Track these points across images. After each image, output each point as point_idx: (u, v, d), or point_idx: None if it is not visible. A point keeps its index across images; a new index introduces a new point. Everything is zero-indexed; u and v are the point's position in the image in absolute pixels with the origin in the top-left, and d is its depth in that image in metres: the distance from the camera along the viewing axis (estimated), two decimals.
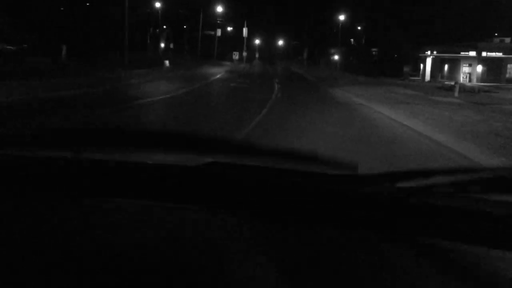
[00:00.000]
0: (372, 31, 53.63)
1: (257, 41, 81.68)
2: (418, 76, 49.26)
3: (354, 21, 61.24)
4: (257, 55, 77.20)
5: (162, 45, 67.65)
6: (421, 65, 48.94)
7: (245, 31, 56.73)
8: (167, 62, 33.84)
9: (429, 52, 42.66)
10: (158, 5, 57.60)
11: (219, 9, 50.26)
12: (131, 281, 0.65)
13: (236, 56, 36.60)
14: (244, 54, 56.00)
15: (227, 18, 61.59)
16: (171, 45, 53.68)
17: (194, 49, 54.98)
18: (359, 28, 61.58)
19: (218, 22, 50.19)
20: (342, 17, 61.92)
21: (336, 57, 66.13)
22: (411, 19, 46.93)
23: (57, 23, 29.17)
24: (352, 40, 63.15)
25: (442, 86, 26.51)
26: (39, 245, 0.73)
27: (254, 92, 17.29)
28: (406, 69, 41.36)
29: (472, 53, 40.31)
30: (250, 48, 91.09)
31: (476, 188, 0.82)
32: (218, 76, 27.70)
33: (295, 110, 11.84)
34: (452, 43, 41.27)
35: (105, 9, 32.57)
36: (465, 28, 42.42)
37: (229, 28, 70.57)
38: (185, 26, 55.13)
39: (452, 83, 27.17)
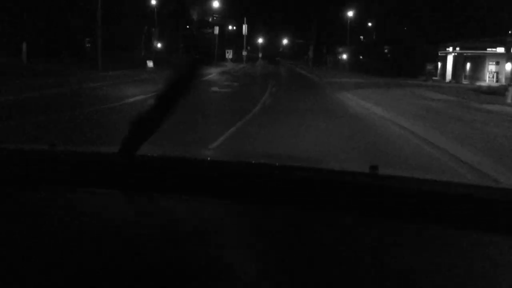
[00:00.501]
0: (384, 27, 48.77)
1: (260, 40, 77.07)
2: (436, 75, 44.50)
3: (364, 17, 56.49)
4: (260, 55, 72.72)
5: (159, 45, 63.68)
6: (439, 64, 44.16)
7: (244, 28, 52.13)
8: (150, 63, 29.60)
9: (450, 49, 37.77)
10: (153, 2, 53.59)
11: (215, 4, 45.71)
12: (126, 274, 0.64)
13: (229, 54, 32.05)
14: (244, 53, 51.46)
15: (228, 16, 57.08)
16: (158, 45, 49.59)
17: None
18: (369, 24, 56.76)
19: (214, 18, 45.69)
20: (351, 13, 57.25)
21: (344, 56, 61.43)
22: (429, 13, 42.16)
23: (18, 15, 24.88)
24: (362, 37, 58.31)
25: (478, 88, 21.65)
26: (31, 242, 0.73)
27: (235, 100, 12.95)
28: (429, 67, 36.52)
29: (500, 50, 35.36)
30: (254, 47, 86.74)
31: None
32: (205, 78, 23.33)
33: (280, 133, 7.29)
34: (476, 38, 36.41)
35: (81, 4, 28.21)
36: (491, 21, 37.50)
37: (233, 28, 66.15)
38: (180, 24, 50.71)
39: (481, 83, 22.59)
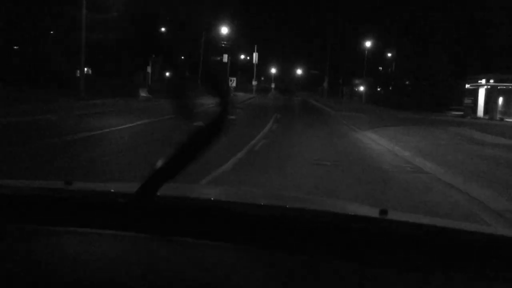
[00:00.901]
0: (404, 57, 45.19)
1: (273, 70, 74.25)
2: (462, 110, 40.49)
3: (383, 46, 53.20)
4: (273, 85, 69.65)
5: (167, 74, 61.28)
6: (466, 98, 40.19)
7: (255, 56, 49.06)
8: (143, 91, 26.33)
9: (483, 81, 33.77)
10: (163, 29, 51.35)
11: (224, 30, 42.82)
12: None
13: (232, 83, 28.61)
14: (254, 83, 48.28)
15: (240, 44, 54.35)
16: (149, 70, 46.94)
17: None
18: (389, 55, 53.36)
19: (223, 45, 42.75)
20: (368, 44, 54.05)
21: (361, 88, 57.87)
22: (453, 43, 38.52)
23: None
24: (380, 68, 54.87)
25: None
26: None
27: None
28: (467, 101, 32.52)
29: None
30: (267, 78, 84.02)
31: None
32: (201, 108, 19.76)
33: None
34: (508, 69, 32.49)
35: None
36: None
37: (246, 57, 63.43)
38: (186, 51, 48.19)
39: None
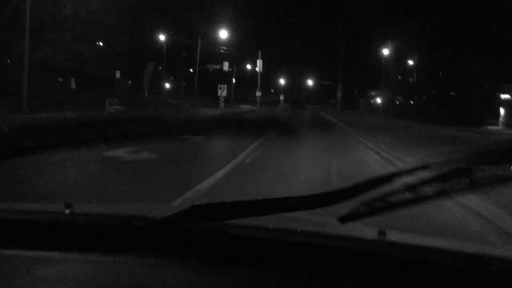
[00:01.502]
0: (429, 64, 39.52)
1: (282, 81, 69.03)
2: (498, 124, 34.67)
3: (402, 53, 47.65)
4: (282, 97, 64.38)
5: (167, 85, 56.63)
6: (502, 110, 34.44)
7: (259, 64, 43.79)
8: (111, 103, 21.31)
9: None
10: (162, 38, 46.71)
11: (223, 34, 37.77)
12: None
13: (223, 91, 23.30)
14: (258, 93, 43.13)
15: (244, 52, 49.26)
16: (167, 85, 42.46)
17: (201, 87, 42.94)
18: (410, 63, 47.78)
19: (222, 51, 37.71)
20: (386, 51, 48.58)
21: (378, 99, 52.36)
22: (489, 46, 32.78)
23: None
24: (399, 77, 49.27)
25: None
26: None
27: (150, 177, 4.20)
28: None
29: None
30: (277, 89, 78.88)
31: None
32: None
33: None
34: None
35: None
36: None
37: (254, 68, 58.38)
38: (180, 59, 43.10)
39: None
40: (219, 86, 23.22)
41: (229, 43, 41.60)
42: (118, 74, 20.57)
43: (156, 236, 0.96)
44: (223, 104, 23.99)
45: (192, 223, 0.95)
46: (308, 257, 0.93)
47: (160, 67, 54.54)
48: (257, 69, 44.09)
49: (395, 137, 13.74)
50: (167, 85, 55.04)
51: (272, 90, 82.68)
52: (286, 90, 75.24)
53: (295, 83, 74.71)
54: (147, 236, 0.97)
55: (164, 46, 46.48)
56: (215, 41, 39.85)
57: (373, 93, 54.06)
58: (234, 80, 53.40)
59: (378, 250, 0.93)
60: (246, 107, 42.20)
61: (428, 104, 34.41)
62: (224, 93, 23.41)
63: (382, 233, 0.99)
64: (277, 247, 0.96)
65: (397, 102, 51.37)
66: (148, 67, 36.52)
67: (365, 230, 1.08)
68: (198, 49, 34.80)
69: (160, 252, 0.92)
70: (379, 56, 48.47)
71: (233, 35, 41.57)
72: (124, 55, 40.39)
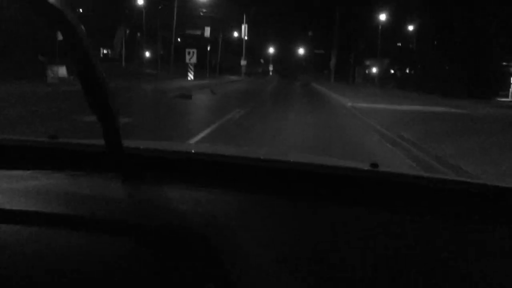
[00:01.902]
0: (433, 28, 35.33)
1: (271, 50, 64.49)
2: (508, 96, 31.18)
3: (401, 18, 43.37)
4: (271, 68, 60.10)
5: (147, 54, 52.15)
6: None
7: (244, 29, 39.32)
8: (53, 71, 17.29)
9: None
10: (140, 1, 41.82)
11: None
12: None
13: (192, 57, 19.12)
14: (243, 62, 38.84)
15: (229, 16, 44.48)
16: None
17: (183, 56, 38.48)
18: (410, 28, 43.60)
19: (202, 14, 33.22)
20: (383, 17, 44.20)
21: (374, 69, 48.38)
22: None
23: None
24: (399, 44, 45.20)
25: None
26: None
27: None
28: None
29: None
30: (267, 60, 74.32)
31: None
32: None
33: None
34: None
35: None
36: None
37: (241, 35, 53.55)
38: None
39: None
40: (187, 50, 19.06)
41: (211, 5, 37.11)
42: (60, 36, 16.57)
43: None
44: (192, 73, 19.95)
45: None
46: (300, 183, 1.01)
47: (139, 34, 49.93)
48: (242, 35, 39.58)
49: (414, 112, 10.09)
50: (147, 54, 50.75)
51: (262, 61, 78.25)
52: (276, 60, 70.82)
53: (286, 52, 70.09)
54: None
55: (143, 10, 41.91)
56: (195, 3, 35.36)
57: (368, 62, 50.15)
58: (220, 48, 49.03)
59: (372, 177, 1.02)
60: (233, 77, 38.26)
61: (434, 74, 30.58)
62: (194, 60, 19.18)
63: (374, 165, 1.07)
64: (268, 174, 1.04)
65: (392, 72, 47.59)
66: (117, 33, 32.10)
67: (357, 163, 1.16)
68: (175, 9, 30.25)
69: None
70: (376, 21, 44.25)
71: None
72: (91, 18, 35.95)
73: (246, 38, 39.48)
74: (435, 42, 32.35)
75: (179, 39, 45.00)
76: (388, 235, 0.79)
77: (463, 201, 0.96)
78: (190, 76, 20.17)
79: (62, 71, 18.03)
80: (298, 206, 0.89)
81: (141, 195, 0.85)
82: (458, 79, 26.28)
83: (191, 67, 20.04)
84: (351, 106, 13.38)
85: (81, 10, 38.07)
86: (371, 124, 9.23)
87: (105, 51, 44.89)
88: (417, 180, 1.03)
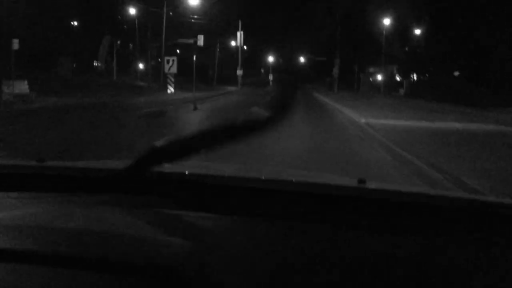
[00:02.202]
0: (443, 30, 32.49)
1: (270, 59, 61.90)
2: None
3: (408, 21, 40.61)
4: (270, 77, 57.42)
5: (141, 66, 49.74)
6: None
7: (239, 36, 36.69)
8: (8, 87, 14.62)
9: None
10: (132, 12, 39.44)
11: (193, 1, 30.55)
12: None
13: (171, 66, 16.08)
14: (239, 72, 36.23)
15: (225, 24, 41.90)
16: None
17: (179, 67, 35.88)
18: (417, 32, 40.83)
19: (192, 20, 30.61)
20: (387, 21, 41.49)
21: (379, 77, 45.58)
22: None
23: None
24: (406, 48, 42.44)
25: None
26: None
27: None
28: None
29: None
30: (267, 70, 71.84)
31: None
32: None
33: None
34: None
35: None
36: None
37: (242, 45, 50.92)
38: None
39: None
40: (166, 58, 16.07)
41: (206, 13, 34.63)
42: (16, 45, 13.49)
43: (120, 185, 0.95)
44: (172, 85, 17.14)
45: (155, 164, 0.93)
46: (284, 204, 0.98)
47: (132, 45, 47.44)
48: (238, 42, 36.91)
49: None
50: (141, 66, 48.31)
51: (263, 71, 75.90)
52: (276, 70, 68.30)
53: (287, 62, 67.47)
54: (111, 185, 0.96)
55: (136, 21, 39.50)
56: (189, 11, 32.86)
57: (371, 70, 47.45)
58: (217, 58, 46.56)
59: (360, 195, 1.00)
60: (230, 88, 35.68)
61: (446, 81, 27.74)
62: (174, 69, 16.21)
63: (361, 181, 1.05)
64: (263, 195, 1.01)
65: (398, 79, 44.88)
66: (103, 42, 29.57)
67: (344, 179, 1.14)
68: (164, 16, 27.62)
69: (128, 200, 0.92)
70: (380, 26, 41.55)
71: (210, 4, 34.44)
72: (79, 29, 33.54)
73: (243, 46, 36.87)
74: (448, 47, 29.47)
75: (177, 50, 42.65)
76: (375, 254, 0.78)
77: (448, 217, 0.93)
78: (170, 89, 17.37)
79: (21, 86, 15.32)
80: (280, 226, 0.87)
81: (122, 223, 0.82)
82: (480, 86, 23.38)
83: (171, 78, 17.27)
84: (365, 123, 10.49)
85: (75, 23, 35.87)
86: (415, 163, 5.75)
87: (95, 64, 42.51)
88: (403, 197, 1.00)
